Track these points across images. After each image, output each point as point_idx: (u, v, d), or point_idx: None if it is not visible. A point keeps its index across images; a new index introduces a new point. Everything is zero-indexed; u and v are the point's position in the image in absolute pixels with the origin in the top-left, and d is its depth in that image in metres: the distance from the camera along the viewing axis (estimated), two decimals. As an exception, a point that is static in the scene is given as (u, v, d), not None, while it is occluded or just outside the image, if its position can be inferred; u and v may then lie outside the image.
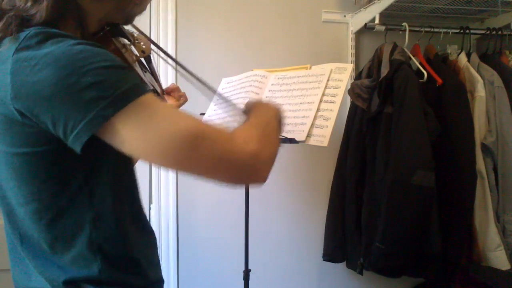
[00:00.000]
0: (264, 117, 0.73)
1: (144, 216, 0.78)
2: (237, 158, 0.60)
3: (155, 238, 0.80)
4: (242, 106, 0.83)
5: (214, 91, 0.92)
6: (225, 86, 1.45)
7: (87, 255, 0.65)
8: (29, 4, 0.60)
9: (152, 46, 0.86)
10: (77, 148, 0.56)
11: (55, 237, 0.64)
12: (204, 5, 1.71)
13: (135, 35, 0.82)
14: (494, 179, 1.54)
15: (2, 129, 0.60)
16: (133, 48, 0.80)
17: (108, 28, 0.71)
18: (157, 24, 1.65)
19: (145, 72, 0.85)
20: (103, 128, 0.55)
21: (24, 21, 0.60)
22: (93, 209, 0.64)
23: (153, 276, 0.75)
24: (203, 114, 1.42)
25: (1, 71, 0.57)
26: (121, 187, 0.70)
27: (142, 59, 0.84)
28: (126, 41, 0.78)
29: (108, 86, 0.55)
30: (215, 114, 1.37)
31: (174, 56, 1.66)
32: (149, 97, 0.58)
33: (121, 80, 0.56)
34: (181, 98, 1.09)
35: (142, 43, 0.82)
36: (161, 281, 0.78)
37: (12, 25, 0.59)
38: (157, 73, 0.91)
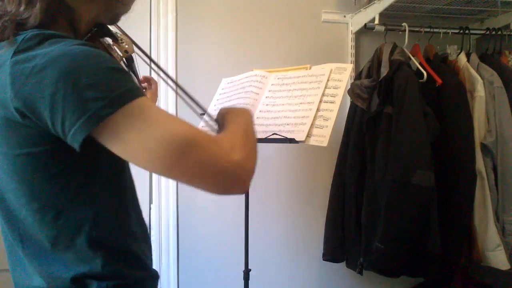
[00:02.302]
0: (242, 124, 0.75)
1: (141, 211, 0.80)
2: (224, 167, 0.62)
3: (148, 233, 0.83)
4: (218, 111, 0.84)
5: (191, 98, 0.96)
6: (225, 86, 1.46)
7: (88, 252, 0.66)
8: (22, 8, 0.61)
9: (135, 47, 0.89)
10: (76, 147, 0.57)
11: (57, 235, 0.65)
12: (204, 6, 1.71)
13: (119, 35, 0.84)
14: (493, 179, 1.54)
15: (3, 131, 0.61)
16: (116, 48, 0.83)
17: (96, 29, 0.74)
18: (157, 24, 1.66)
19: (128, 71, 0.88)
20: (98, 128, 0.56)
21: (19, 25, 0.61)
22: (93, 207, 0.66)
23: (152, 269, 0.78)
24: (203, 114, 1.42)
25: (0, 74, 0.58)
26: (120, 185, 0.72)
27: (124, 59, 0.86)
28: (110, 41, 0.81)
29: (106, 87, 0.56)
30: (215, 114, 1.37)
31: (173, 59, 1.67)
32: (144, 100, 0.59)
33: (118, 82, 0.58)
34: (153, 85, 1.14)
35: (125, 44, 0.85)
36: (157, 276, 0.80)
37: (8, 30, 0.60)
38: (138, 72, 0.94)
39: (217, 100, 1.43)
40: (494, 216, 1.52)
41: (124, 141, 0.58)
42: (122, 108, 0.56)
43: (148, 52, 1.63)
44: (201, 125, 1.21)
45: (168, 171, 0.60)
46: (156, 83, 1.18)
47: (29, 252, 0.67)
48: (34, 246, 0.67)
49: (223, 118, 0.79)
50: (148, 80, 1.16)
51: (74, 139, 0.57)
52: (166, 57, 1.67)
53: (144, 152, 0.58)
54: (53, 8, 0.63)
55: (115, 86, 0.57)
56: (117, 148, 0.58)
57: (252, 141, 0.71)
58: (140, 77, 0.98)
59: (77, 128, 0.55)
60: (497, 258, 1.50)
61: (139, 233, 0.76)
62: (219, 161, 0.61)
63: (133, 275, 0.71)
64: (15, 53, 0.58)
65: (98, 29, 0.75)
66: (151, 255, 0.81)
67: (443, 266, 1.48)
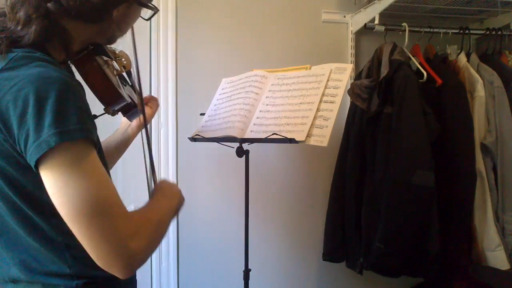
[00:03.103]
0: (162, 212, 0.77)
1: None
2: (117, 250, 0.63)
3: None
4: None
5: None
6: (225, 86, 1.45)
7: (56, 253, 0.71)
8: (19, 27, 0.67)
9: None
10: (32, 165, 0.61)
11: (28, 234, 0.70)
12: (204, 6, 1.71)
13: (117, 52, 0.90)
14: (493, 179, 1.54)
15: None
16: (115, 63, 0.88)
17: (92, 47, 0.80)
18: (157, 24, 1.66)
19: (125, 85, 0.93)
20: (44, 156, 0.59)
21: (13, 42, 0.67)
22: (57, 218, 0.67)
23: None
24: (203, 114, 1.43)
25: None
26: None
27: (124, 74, 0.92)
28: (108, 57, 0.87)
29: (63, 119, 0.60)
30: (215, 114, 1.37)
31: (173, 59, 1.67)
32: (91, 150, 0.63)
33: (77, 120, 0.61)
34: (154, 107, 1.15)
35: (123, 59, 0.91)
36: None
37: (2, 45, 0.66)
38: (136, 86, 0.97)
39: (217, 100, 1.43)
40: (494, 216, 1.52)
41: (53, 179, 0.61)
42: (68, 142, 0.60)
43: (148, 53, 1.64)
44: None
45: (71, 223, 0.62)
46: (157, 106, 1.17)
47: (6, 245, 0.73)
48: (10, 240, 0.72)
49: (157, 188, 0.85)
50: (149, 100, 1.15)
51: (30, 160, 0.61)
52: (166, 58, 1.67)
53: (62, 196, 0.61)
54: (48, 29, 0.69)
55: (73, 121, 0.60)
56: (46, 182, 0.61)
57: (159, 237, 0.74)
58: (138, 89, 0.99)
59: (32, 151, 0.60)
60: (497, 258, 1.50)
61: None
62: (118, 243, 0.63)
63: (101, 275, 0.73)
64: (2, 70, 0.64)
65: (94, 47, 0.80)
66: None
67: (443, 266, 1.48)
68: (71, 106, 0.61)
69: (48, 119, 0.59)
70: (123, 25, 0.81)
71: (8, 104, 0.61)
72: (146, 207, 0.76)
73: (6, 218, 0.71)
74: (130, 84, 0.97)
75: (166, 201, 0.82)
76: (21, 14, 0.68)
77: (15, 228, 0.71)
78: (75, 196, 0.61)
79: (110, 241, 0.62)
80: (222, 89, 1.45)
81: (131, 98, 0.91)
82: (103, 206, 0.62)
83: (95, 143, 0.65)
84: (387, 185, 1.46)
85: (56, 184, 0.61)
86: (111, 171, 0.86)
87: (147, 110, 1.12)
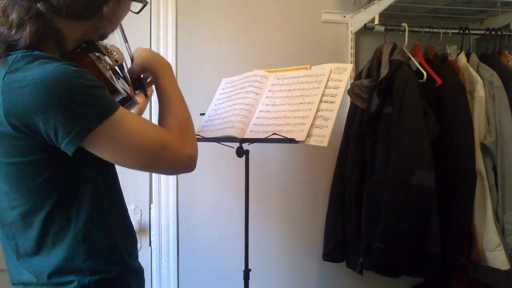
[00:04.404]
0: (179, 98, 0.88)
1: (126, 209, 0.88)
2: (183, 161, 0.79)
3: (135, 232, 0.91)
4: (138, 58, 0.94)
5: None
6: (225, 86, 1.46)
7: (71, 249, 0.73)
8: (13, 31, 0.69)
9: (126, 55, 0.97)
10: (69, 153, 0.67)
11: (44, 234, 0.73)
12: (204, 5, 1.71)
13: (108, 47, 0.92)
14: (493, 179, 1.54)
15: None
16: (107, 58, 0.90)
17: (85, 45, 0.81)
18: (157, 24, 1.66)
19: (118, 78, 0.94)
20: (87, 139, 0.66)
21: (10, 46, 0.69)
22: (77, 208, 0.74)
23: (133, 264, 0.84)
24: (203, 114, 1.43)
25: None
26: (104, 188, 0.79)
27: (116, 67, 0.94)
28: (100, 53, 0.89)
29: (91, 104, 0.66)
30: (215, 114, 1.37)
31: (173, 59, 1.67)
32: (121, 111, 0.70)
33: (101, 98, 0.68)
34: (148, 92, 1.17)
35: (114, 53, 0.94)
36: (140, 270, 0.87)
37: (0, 50, 0.68)
38: (129, 78, 0.99)
39: (217, 100, 1.43)
40: (494, 216, 1.52)
41: (109, 149, 0.70)
42: (106, 120, 0.66)
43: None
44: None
45: (144, 168, 0.78)
46: (152, 91, 1.18)
47: (17, 250, 0.75)
48: (21, 245, 0.74)
49: (157, 68, 0.91)
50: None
51: (66, 149, 0.66)
52: (165, 58, 1.66)
53: (125, 156, 0.71)
54: (42, 30, 0.70)
55: (99, 102, 0.67)
56: (103, 154, 0.70)
57: (191, 121, 0.87)
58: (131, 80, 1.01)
59: (69, 141, 0.65)
60: (497, 258, 1.50)
61: (123, 231, 0.84)
62: (180, 158, 0.78)
63: (114, 270, 0.78)
64: (6, 73, 0.66)
65: (87, 45, 0.81)
66: (136, 250, 0.88)
67: (443, 266, 1.48)
68: (88, 89, 0.66)
69: (76, 108, 0.64)
70: (114, 19, 0.83)
71: (25, 106, 0.63)
72: (169, 106, 0.86)
73: (18, 222, 0.73)
74: (123, 77, 0.98)
75: (172, 80, 0.91)
76: (13, 17, 0.69)
77: (30, 231, 0.73)
78: (133, 154, 0.71)
79: (177, 164, 0.78)
80: (222, 89, 1.45)
81: (125, 91, 0.92)
82: (156, 145, 0.73)
83: (119, 106, 0.71)
84: (387, 185, 1.46)
85: (110, 155, 0.70)
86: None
87: (141, 99, 1.14)
